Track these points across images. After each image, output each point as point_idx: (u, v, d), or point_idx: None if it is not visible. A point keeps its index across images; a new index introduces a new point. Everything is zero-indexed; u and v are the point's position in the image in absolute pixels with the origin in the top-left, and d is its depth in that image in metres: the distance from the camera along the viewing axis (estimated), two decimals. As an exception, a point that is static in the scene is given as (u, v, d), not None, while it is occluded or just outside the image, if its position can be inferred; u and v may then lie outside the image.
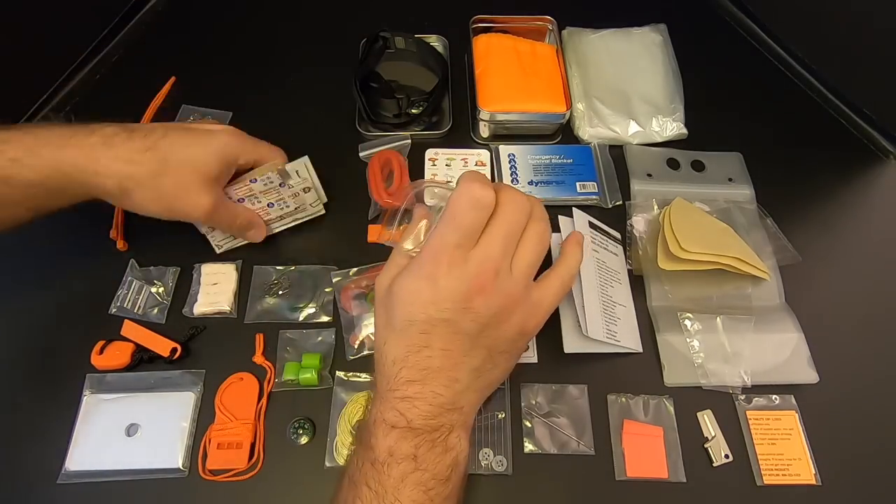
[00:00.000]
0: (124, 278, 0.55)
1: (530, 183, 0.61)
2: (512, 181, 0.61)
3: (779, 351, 0.53)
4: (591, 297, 0.52)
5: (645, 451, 0.49)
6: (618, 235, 0.59)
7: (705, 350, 0.53)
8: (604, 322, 0.51)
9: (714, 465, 0.48)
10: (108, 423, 0.49)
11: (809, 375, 0.52)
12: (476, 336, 0.40)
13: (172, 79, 0.68)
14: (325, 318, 0.54)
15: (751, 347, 0.53)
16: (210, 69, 0.69)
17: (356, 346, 0.52)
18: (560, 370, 0.52)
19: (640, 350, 0.53)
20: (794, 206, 0.63)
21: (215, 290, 0.53)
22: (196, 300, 0.53)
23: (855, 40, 0.66)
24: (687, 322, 0.54)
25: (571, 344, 0.53)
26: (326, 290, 0.55)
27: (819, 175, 0.65)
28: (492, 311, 0.40)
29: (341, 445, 0.48)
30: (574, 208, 0.57)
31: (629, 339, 0.53)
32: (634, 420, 0.50)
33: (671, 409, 0.50)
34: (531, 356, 0.53)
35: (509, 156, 0.63)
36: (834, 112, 0.69)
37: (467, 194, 0.39)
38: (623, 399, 0.51)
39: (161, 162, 0.45)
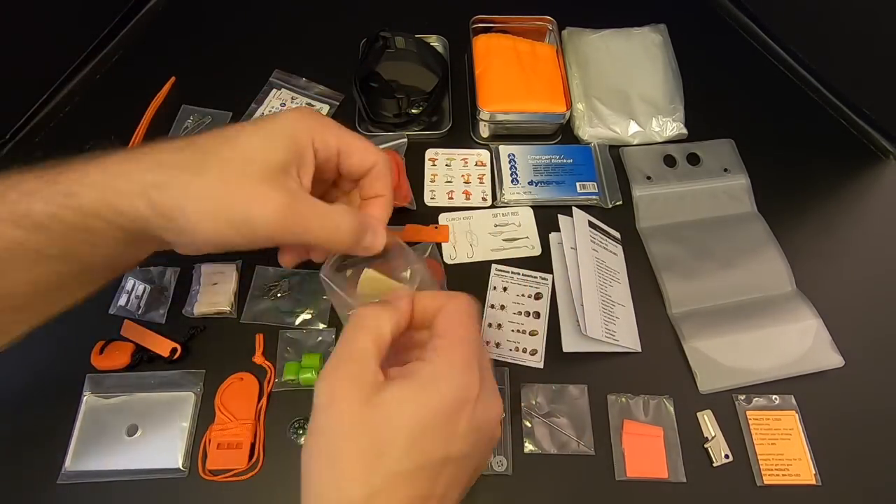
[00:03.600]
0: (124, 279, 0.54)
1: (530, 183, 0.61)
2: (512, 181, 0.61)
3: (802, 339, 0.54)
4: (590, 297, 0.52)
5: (645, 451, 0.49)
6: (617, 235, 0.59)
7: (734, 351, 0.53)
8: (602, 321, 0.52)
9: (714, 465, 0.48)
10: (109, 423, 0.49)
11: (834, 360, 0.53)
12: (472, 474, 0.32)
13: (172, 79, 0.68)
14: (321, 326, 0.53)
15: (774, 340, 0.53)
16: (210, 69, 0.69)
17: None
18: (560, 370, 0.52)
19: (639, 349, 0.53)
20: (793, 205, 0.63)
21: (215, 290, 0.53)
22: (196, 300, 0.53)
23: (855, 40, 0.66)
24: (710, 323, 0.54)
25: (570, 343, 0.53)
26: (324, 297, 0.55)
27: (819, 175, 0.65)
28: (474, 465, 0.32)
29: None
30: (574, 208, 0.57)
31: (628, 339, 0.53)
32: (634, 420, 0.50)
33: (671, 409, 0.50)
34: (538, 362, 0.53)
35: (509, 156, 0.63)
36: (834, 112, 0.69)
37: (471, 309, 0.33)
38: (623, 399, 0.51)
39: (201, 154, 0.33)
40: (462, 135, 0.65)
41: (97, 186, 0.32)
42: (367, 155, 0.37)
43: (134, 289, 0.54)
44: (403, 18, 0.71)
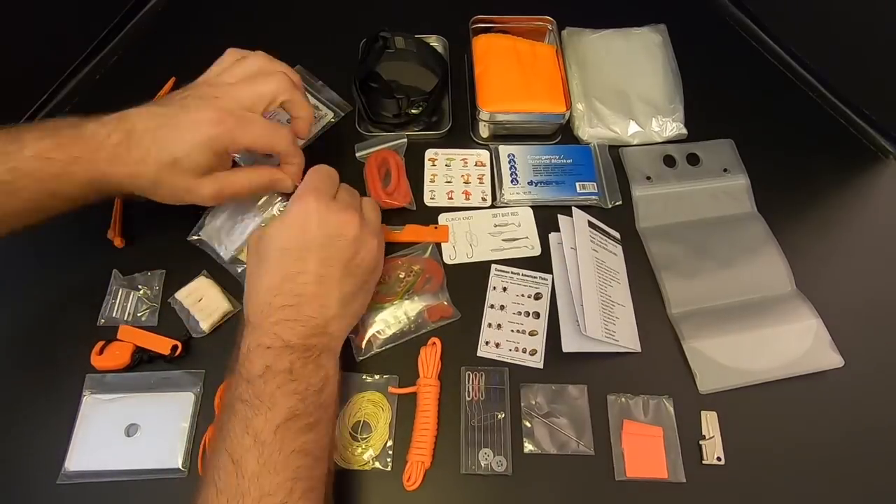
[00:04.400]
0: (109, 288, 0.54)
1: (530, 183, 0.61)
2: (511, 181, 0.61)
3: (801, 339, 0.54)
4: (589, 296, 0.52)
5: (645, 452, 0.49)
6: (617, 235, 0.59)
7: (734, 351, 0.53)
8: (602, 321, 0.52)
9: (703, 462, 0.49)
10: (108, 423, 0.49)
11: (834, 360, 0.53)
12: (347, 263, 0.45)
13: (173, 79, 0.68)
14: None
15: (774, 340, 0.53)
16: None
17: (363, 347, 0.52)
18: (559, 371, 0.52)
19: (639, 350, 0.53)
20: (793, 205, 0.63)
21: (205, 304, 0.53)
22: (197, 323, 0.52)
23: (855, 40, 0.66)
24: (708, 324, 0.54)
25: (570, 343, 0.53)
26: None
27: (818, 175, 0.65)
28: (356, 239, 0.45)
29: (340, 445, 0.48)
30: (574, 208, 0.57)
31: (628, 339, 0.53)
32: (634, 420, 0.50)
33: (671, 409, 0.51)
34: (538, 362, 0.53)
35: (509, 156, 0.63)
36: (834, 112, 0.69)
37: (324, 167, 0.49)
38: (623, 399, 0.51)
39: (155, 172, 0.46)
40: (462, 135, 0.65)
41: (105, 177, 0.45)
42: (275, 148, 0.50)
43: (120, 296, 0.54)
44: (404, 19, 0.71)
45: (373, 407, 0.50)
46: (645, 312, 0.55)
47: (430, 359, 0.51)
